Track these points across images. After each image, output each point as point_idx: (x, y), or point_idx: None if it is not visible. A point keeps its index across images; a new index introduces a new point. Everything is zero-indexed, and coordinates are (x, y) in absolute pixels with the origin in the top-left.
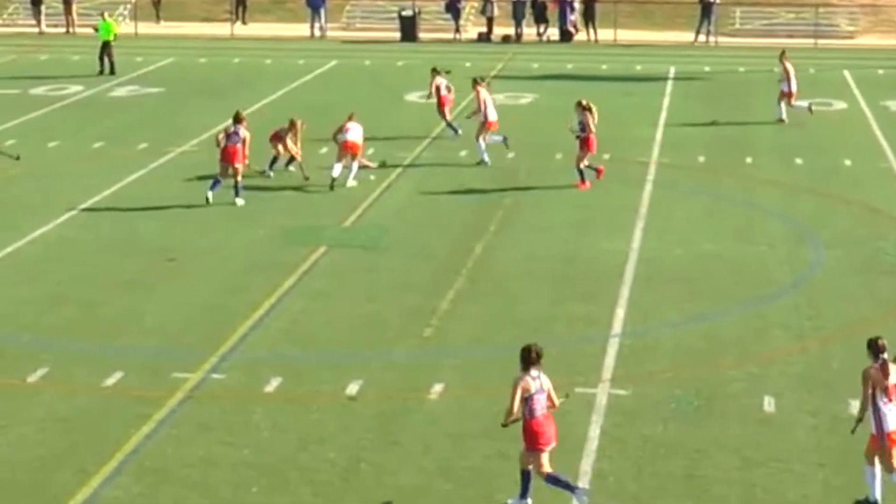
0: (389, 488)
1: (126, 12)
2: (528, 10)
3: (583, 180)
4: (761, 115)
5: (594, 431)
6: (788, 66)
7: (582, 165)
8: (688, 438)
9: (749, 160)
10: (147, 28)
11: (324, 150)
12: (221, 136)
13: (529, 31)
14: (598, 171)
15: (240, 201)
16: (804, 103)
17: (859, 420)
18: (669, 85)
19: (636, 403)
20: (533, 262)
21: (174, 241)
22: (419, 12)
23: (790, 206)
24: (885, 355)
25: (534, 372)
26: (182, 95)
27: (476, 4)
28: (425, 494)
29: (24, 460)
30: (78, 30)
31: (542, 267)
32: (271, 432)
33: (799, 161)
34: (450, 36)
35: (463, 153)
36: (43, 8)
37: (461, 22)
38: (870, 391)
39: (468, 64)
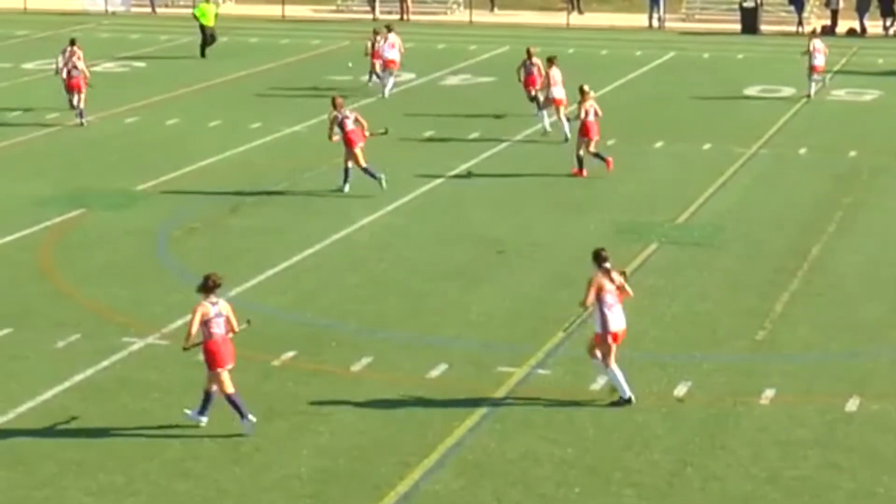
0: (715, 494)
1: (461, 0)
2: (875, 3)
3: (580, 168)
4: None
5: None
6: None
7: (581, 153)
8: None
9: None
10: (482, 16)
11: (611, 141)
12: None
13: (876, 25)
14: (606, 162)
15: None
16: None
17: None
18: None
19: None
20: (872, 265)
21: (504, 233)
22: (762, 3)
23: None
24: (608, 264)
25: (213, 298)
26: (514, 85)
27: None
28: (752, 502)
29: (345, 449)
30: (412, 17)
31: (881, 271)
32: (596, 431)
33: None
34: (792, 29)
35: (802, 150)
36: None
37: (805, 14)
38: (594, 294)
39: None
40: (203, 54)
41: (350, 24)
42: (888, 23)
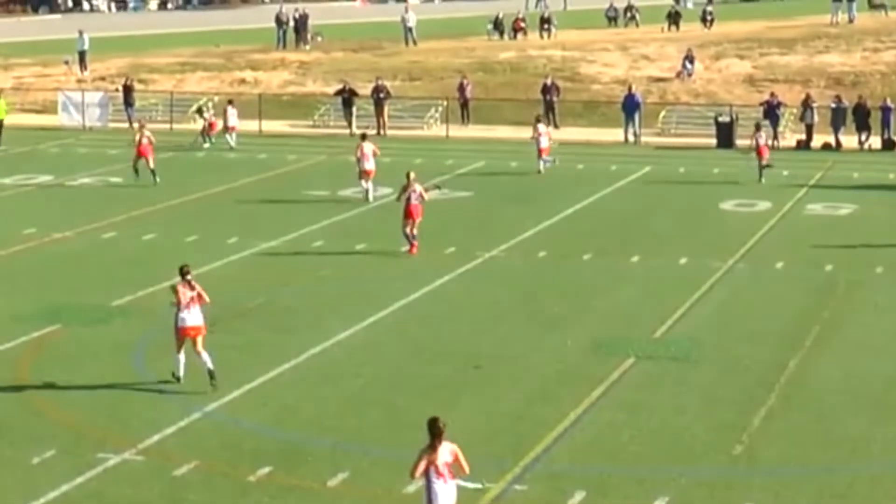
0: None
1: (437, 115)
2: (850, 118)
3: (410, 244)
4: None
5: None
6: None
7: (406, 231)
8: None
9: None
10: (458, 131)
11: (587, 255)
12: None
13: (851, 139)
14: (411, 246)
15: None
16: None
17: None
18: None
19: None
20: (851, 379)
21: (481, 348)
22: (737, 118)
23: None
24: (189, 276)
25: None
26: (491, 200)
27: (795, 111)
28: None
29: None
30: (388, 132)
31: (860, 385)
32: None
33: None
34: (768, 144)
35: (779, 264)
36: (354, 109)
37: (780, 129)
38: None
39: (786, 172)
40: None
41: (326, 140)
42: (863, 137)
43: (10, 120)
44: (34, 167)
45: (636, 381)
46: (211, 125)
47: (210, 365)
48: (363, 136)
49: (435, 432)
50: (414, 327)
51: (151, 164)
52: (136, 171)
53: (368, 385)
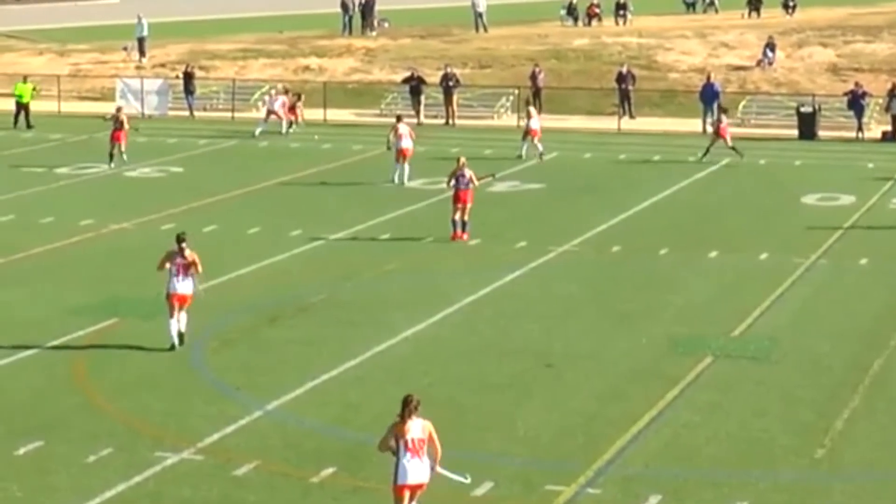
0: None
1: (508, 104)
2: None
3: (454, 232)
4: None
5: None
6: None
7: (455, 217)
8: None
9: None
10: None
11: (664, 250)
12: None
13: None
14: (461, 235)
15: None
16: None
17: None
18: None
19: None
20: None
21: (552, 345)
22: (819, 108)
23: None
24: (184, 244)
25: None
26: (564, 192)
27: (881, 101)
28: None
29: None
30: (458, 121)
31: None
32: None
33: None
34: (851, 134)
35: (863, 261)
36: (422, 98)
37: (864, 120)
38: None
39: (871, 165)
40: (15, 125)
41: None
42: None
43: (67, 107)
44: (91, 156)
45: (713, 381)
46: (291, 109)
47: (183, 328)
48: (398, 118)
49: (405, 406)
50: (483, 324)
51: (123, 148)
52: (112, 156)
53: (435, 383)
